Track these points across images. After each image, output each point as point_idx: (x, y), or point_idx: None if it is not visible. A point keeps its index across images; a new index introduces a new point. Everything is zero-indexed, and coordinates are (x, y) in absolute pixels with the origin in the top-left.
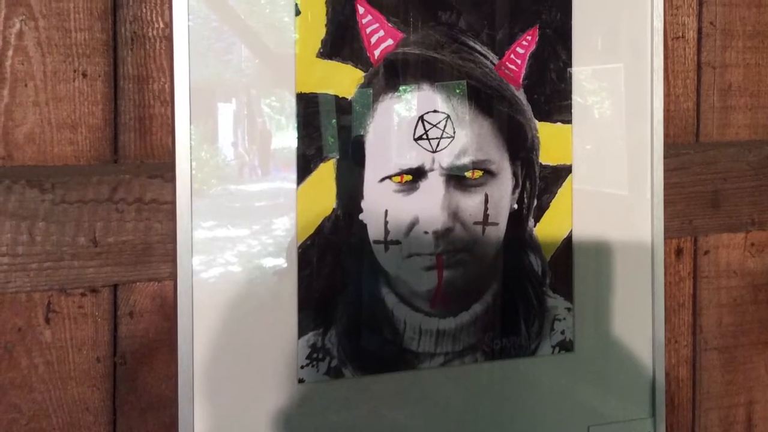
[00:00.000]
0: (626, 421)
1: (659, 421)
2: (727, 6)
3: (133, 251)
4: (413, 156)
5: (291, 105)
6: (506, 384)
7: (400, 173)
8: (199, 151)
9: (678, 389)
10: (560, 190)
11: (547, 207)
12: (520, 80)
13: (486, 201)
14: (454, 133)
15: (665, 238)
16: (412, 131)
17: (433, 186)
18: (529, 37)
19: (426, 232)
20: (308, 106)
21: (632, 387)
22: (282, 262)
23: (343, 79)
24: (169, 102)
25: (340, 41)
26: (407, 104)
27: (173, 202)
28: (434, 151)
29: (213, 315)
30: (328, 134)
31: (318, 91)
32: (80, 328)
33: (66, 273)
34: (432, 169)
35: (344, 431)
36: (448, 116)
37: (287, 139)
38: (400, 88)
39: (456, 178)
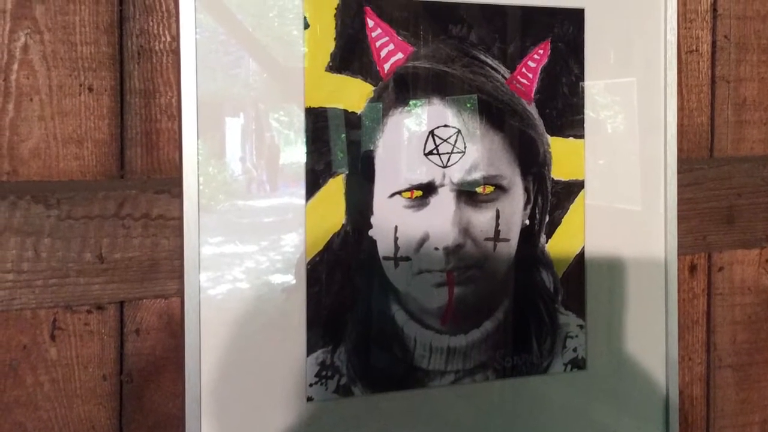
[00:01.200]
0: None
1: None
2: (742, 19)
3: (139, 268)
4: (423, 171)
5: (300, 119)
6: (518, 402)
7: (411, 189)
8: (206, 166)
9: (692, 407)
10: (572, 206)
11: (559, 223)
12: (532, 94)
13: (497, 217)
14: (465, 147)
15: (679, 255)
16: (423, 146)
17: (444, 202)
18: (540, 51)
19: (436, 249)
20: (317, 121)
21: (646, 405)
22: (290, 279)
23: (352, 94)
24: (176, 116)
25: (350, 55)
26: (417, 119)
27: (180, 218)
28: (445, 167)
29: (221, 332)
30: (337, 149)
31: (327, 106)
32: (86, 346)
33: (72, 290)
34: (442, 185)
35: None
36: (459, 131)
37: (296, 154)
38: (410, 103)
39: (467, 194)
